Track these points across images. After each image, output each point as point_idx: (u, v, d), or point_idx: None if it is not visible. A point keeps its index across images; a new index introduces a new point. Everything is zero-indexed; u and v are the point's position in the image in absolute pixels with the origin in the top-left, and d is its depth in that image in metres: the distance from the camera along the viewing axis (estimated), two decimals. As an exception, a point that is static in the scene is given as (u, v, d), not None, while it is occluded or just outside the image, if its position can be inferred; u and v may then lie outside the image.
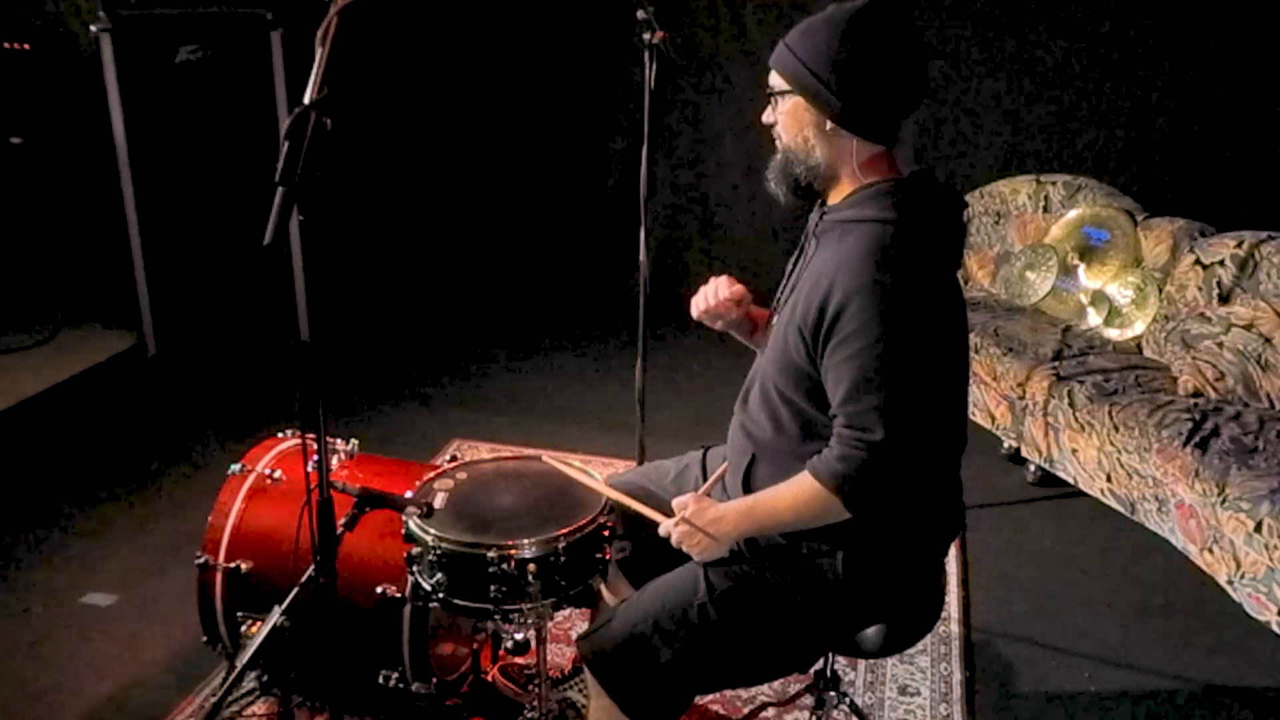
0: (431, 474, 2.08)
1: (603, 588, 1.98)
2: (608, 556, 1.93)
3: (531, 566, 1.81)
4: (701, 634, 1.78)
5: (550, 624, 2.04)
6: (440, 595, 1.88)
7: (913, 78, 1.70)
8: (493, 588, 1.83)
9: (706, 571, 1.81)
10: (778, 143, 1.78)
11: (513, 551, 1.82)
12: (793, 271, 1.87)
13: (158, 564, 3.04)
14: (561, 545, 1.84)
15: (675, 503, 1.80)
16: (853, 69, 1.65)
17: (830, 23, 1.68)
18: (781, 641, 1.84)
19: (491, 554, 1.81)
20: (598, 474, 2.04)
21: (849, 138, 1.71)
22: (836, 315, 1.65)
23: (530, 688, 2.39)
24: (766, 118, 1.79)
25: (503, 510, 1.96)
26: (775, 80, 1.74)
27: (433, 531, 1.86)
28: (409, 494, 1.98)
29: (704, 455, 2.11)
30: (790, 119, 1.74)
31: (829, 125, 1.69)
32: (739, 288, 1.96)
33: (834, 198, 1.77)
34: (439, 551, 1.85)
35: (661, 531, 1.80)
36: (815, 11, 1.71)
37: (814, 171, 1.74)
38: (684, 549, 1.79)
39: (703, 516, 1.77)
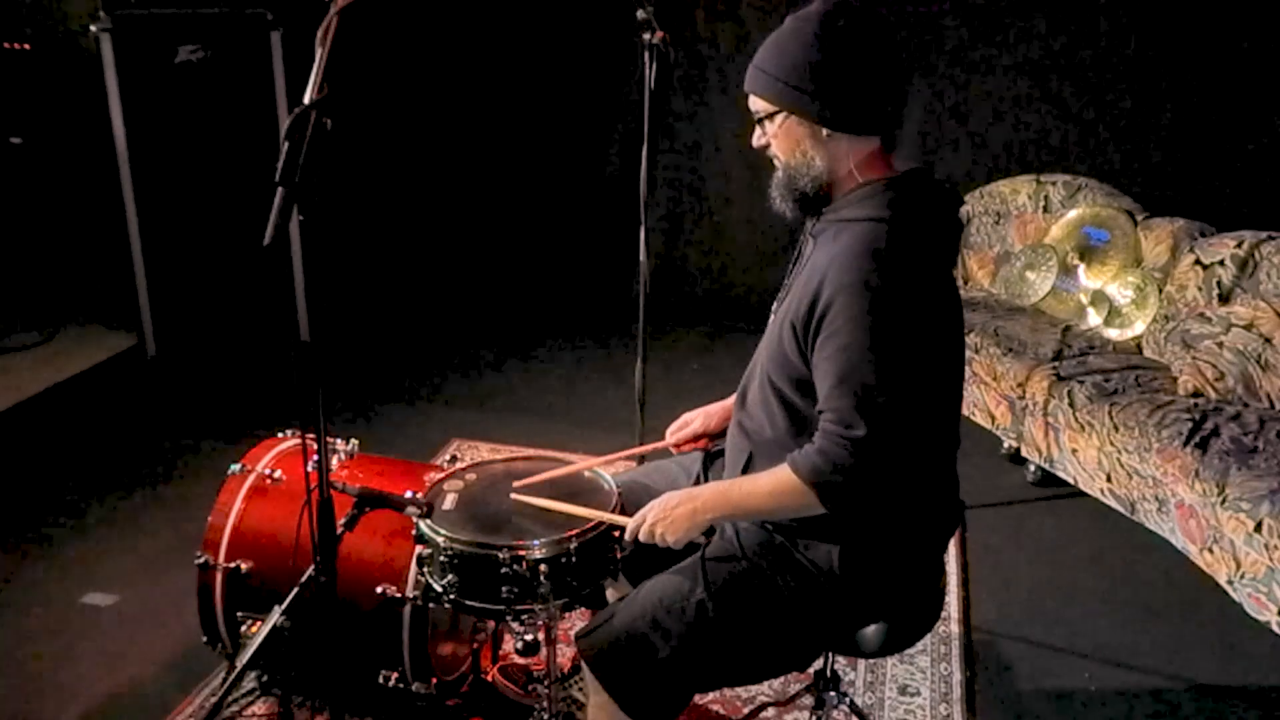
0: (440, 474, 2.08)
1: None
2: (619, 556, 1.92)
3: (543, 567, 1.81)
4: (699, 630, 1.78)
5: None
6: (452, 596, 1.87)
7: (891, 62, 1.71)
8: (504, 588, 1.83)
9: (704, 568, 1.81)
10: (776, 162, 1.79)
11: (524, 552, 1.81)
12: (791, 272, 1.88)
13: (158, 564, 3.04)
14: (573, 546, 1.84)
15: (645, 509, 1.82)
16: (831, 70, 1.66)
17: (796, 33, 1.69)
18: (780, 638, 1.84)
19: (503, 555, 1.81)
20: (605, 473, 2.04)
21: (844, 138, 1.72)
22: (825, 311, 1.66)
23: (530, 688, 2.39)
24: (757, 141, 1.80)
25: (514, 510, 1.96)
26: (757, 104, 1.75)
27: (444, 532, 1.86)
28: (410, 494, 1.98)
29: (704, 455, 2.11)
30: (784, 137, 1.75)
31: (825, 132, 1.71)
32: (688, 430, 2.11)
33: (833, 199, 1.78)
34: (450, 552, 1.85)
35: (629, 534, 1.81)
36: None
37: (817, 180, 1.75)
38: (655, 536, 1.78)
39: (670, 502, 1.78)
